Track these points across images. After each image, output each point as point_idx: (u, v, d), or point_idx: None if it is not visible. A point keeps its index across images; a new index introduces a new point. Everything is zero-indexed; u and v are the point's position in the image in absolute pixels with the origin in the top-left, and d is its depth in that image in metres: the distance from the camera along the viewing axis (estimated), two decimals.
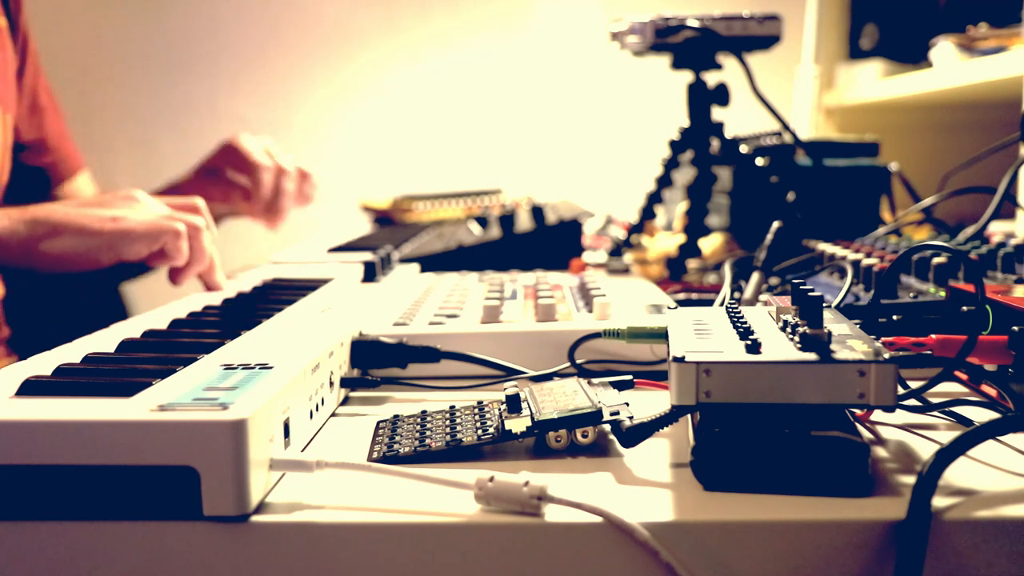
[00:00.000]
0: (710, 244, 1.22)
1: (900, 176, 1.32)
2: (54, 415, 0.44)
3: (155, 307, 0.81)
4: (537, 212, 1.20)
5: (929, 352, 0.60)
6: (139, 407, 0.45)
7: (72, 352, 0.60)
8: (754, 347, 0.48)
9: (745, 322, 0.54)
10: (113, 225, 0.85)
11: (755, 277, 0.88)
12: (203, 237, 0.88)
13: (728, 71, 1.13)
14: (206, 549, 0.44)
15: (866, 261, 0.82)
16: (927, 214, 1.18)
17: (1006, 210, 1.23)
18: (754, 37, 1.09)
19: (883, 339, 0.60)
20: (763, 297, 0.84)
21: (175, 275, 0.89)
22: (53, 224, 0.86)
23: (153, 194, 0.96)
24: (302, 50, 2.36)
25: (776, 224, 0.96)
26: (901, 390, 0.57)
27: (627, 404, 0.54)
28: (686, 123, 1.16)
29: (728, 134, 1.16)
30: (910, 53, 1.80)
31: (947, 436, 0.52)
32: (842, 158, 1.28)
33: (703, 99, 1.14)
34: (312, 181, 1.18)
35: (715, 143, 1.16)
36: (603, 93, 2.33)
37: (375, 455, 0.53)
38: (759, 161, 1.18)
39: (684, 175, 1.24)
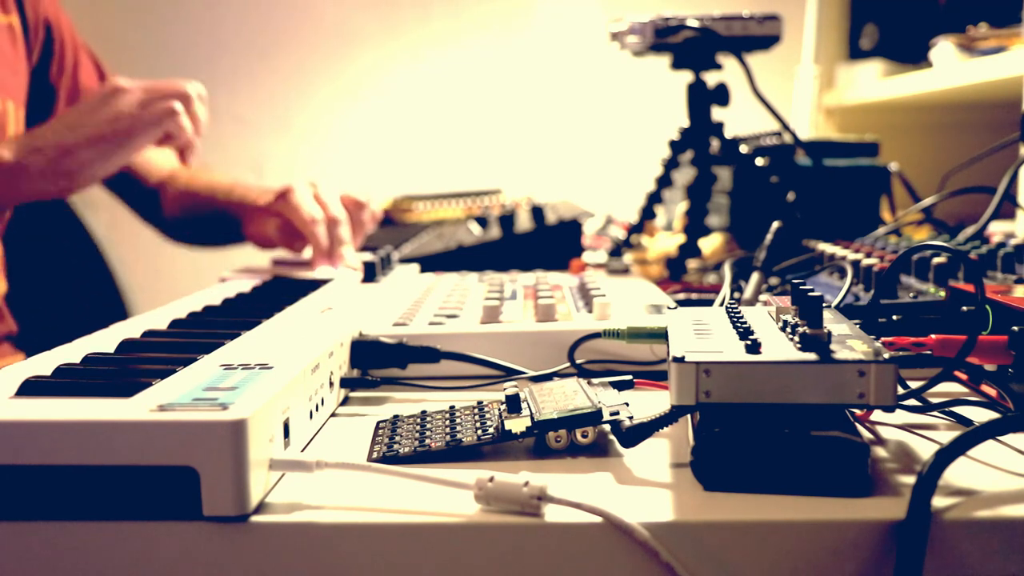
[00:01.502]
0: (710, 244, 1.22)
1: (900, 176, 1.32)
2: (54, 415, 0.44)
3: (155, 307, 0.81)
4: (537, 212, 1.20)
5: (929, 352, 0.60)
6: (139, 407, 0.45)
7: (72, 352, 0.60)
8: (754, 347, 0.48)
9: (745, 322, 0.54)
10: (116, 126, 0.88)
11: (755, 277, 0.88)
12: (195, 105, 0.90)
13: (728, 71, 1.13)
14: (206, 549, 0.44)
15: (866, 261, 0.82)
16: (927, 214, 1.18)
17: (1006, 210, 1.23)
18: (754, 37, 1.09)
19: (883, 339, 0.60)
20: (763, 297, 0.84)
21: (184, 155, 0.92)
22: (60, 144, 0.88)
23: None
24: (302, 50, 2.36)
25: (776, 224, 0.96)
26: (901, 390, 0.57)
27: (627, 404, 0.54)
28: (686, 123, 1.16)
29: (728, 134, 1.16)
30: (910, 53, 1.80)
31: (947, 436, 0.52)
32: (842, 158, 1.28)
33: (703, 99, 1.14)
34: (370, 207, 1.16)
35: (715, 143, 1.16)
36: (603, 93, 2.33)
37: (375, 455, 0.53)
38: (759, 161, 1.18)
39: (684, 175, 1.24)
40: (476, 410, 0.58)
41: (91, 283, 0.89)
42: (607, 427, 0.53)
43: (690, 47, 1.11)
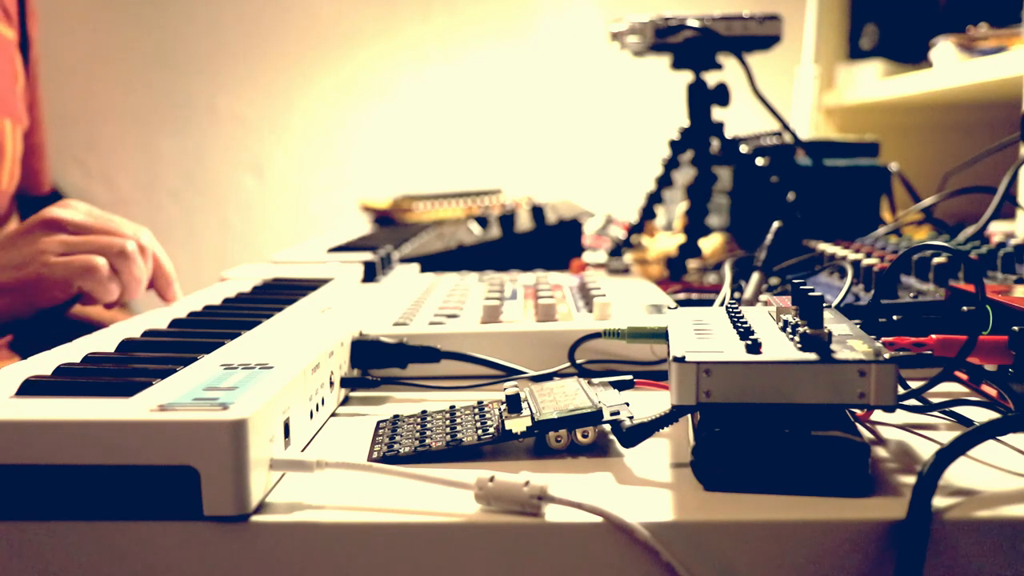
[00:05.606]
0: (710, 244, 1.22)
1: (900, 176, 1.32)
2: (54, 415, 0.44)
3: (155, 307, 0.81)
4: (537, 212, 1.20)
5: (929, 352, 0.60)
6: (139, 407, 0.45)
7: (72, 352, 0.60)
8: (754, 347, 0.48)
9: (745, 322, 0.54)
10: (20, 274, 0.75)
11: (755, 277, 0.88)
12: (134, 263, 0.76)
13: (728, 71, 1.13)
14: (206, 549, 0.44)
15: (866, 261, 0.82)
16: (927, 214, 1.18)
17: (1006, 210, 1.23)
18: (754, 37, 1.09)
19: (883, 339, 0.60)
20: (763, 297, 0.84)
21: (107, 304, 0.79)
22: None
23: None
24: (302, 50, 2.36)
25: (776, 224, 0.96)
26: (901, 390, 0.57)
27: (627, 404, 0.54)
28: (686, 123, 1.16)
29: (728, 134, 1.16)
30: (910, 53, 1.80)
31: (947, 436, 0.52)
32: (842, 158, 1.28)
33: (703, 99, 1.14)
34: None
35: (715, 143, 1.16)
36: (603, 93, 2.33)
37: (375, 455, 0.53)
38: (759, 161, 1.18)
39: (684, 175, 1.24)
40: (476, 410, 0.58)
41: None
42: (607, 427, 0.53)
43: (690, 47, 1.11)
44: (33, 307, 0.76)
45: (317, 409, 0.58)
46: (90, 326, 0.74)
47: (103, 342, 0.63)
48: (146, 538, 0.44)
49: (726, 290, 0.86)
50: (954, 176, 1.24)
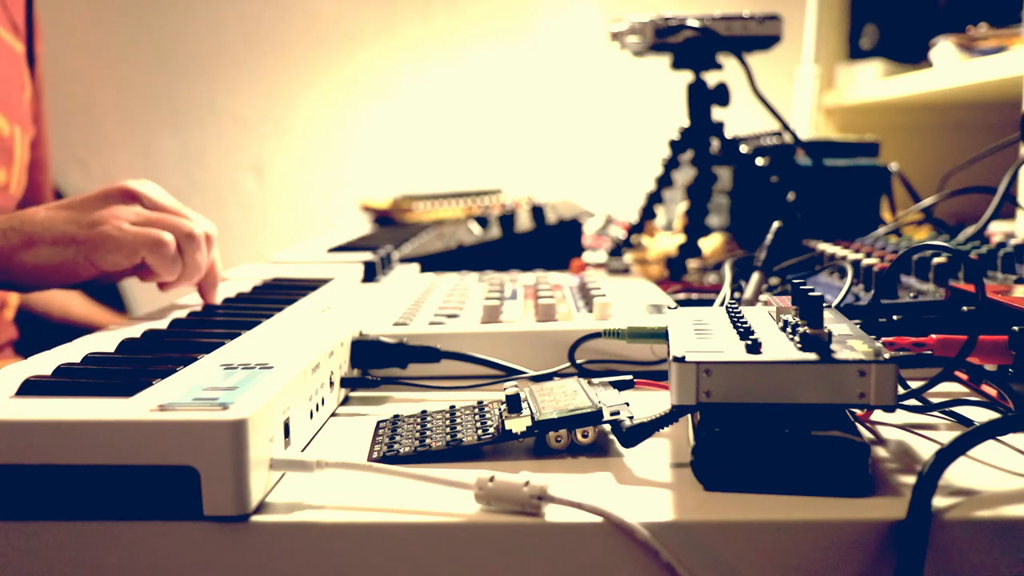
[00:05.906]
0: (710, 244, 1.22)
1: (900, 176, 1.32)
2: (54, 415, 0.44)
3: (155, 307, 0.81)
4: (537, 212, 1.20)
5: (929, 352, 0.60)
6: (139, 407, 0.45)
7: (72, 352, 0.60)
8: (754, 347, 0.48)
9: (745, 322, 0.54)
10: (90, 232, 0.75)
11: (755, 277, 0.88)
12: (198, 251, 0.78)
13: (728, 71, 1.13)
14: (206, 549, 0.44)
15: (866, 261, 0.82)
16: (927, 214, 1.18)
17: (1006, 210, 1.23)
18: (754, 37, 1.09)
19: (883, 339, 0.60)
20: (763, 297, 0.84)
21: (161, 284, 0.80)
22: (27, 233, 0.76)
23: None
24: (302, 50, 2.36)
25: (776, 224, 0.96)
26: (901, 390, 0.57)
27: (627, 404, 0.54)
28: (686, 123, 1.16)
29: (728, 134, 1.16)
30: (910, 53, 1.80)
31: (947, 436, 0.52)
32: (842, 158, 1.28)
33: (703, 99, 1.14)
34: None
35: (715, 143, 1.16)
36: (603, 93, 2.33)
37: (375, 455, 0.53)
38: (759, 161, 1.18)
39: (684, 175, 1.24)
40: (476, 410, 0.58)
41: (91, 282, 0.84)
42: (607, 427, 0.53)
43: (690, 47, 1.11)
44: (95, 267, 0.76)
45: (317, 409, 0.58)
46: (89, 328, 0.75)
47: (103, 342, 0.63)
48: (146, 538, 0.44)
49: (726, 290, 0.86)
50: (954, 176, 1.24)
